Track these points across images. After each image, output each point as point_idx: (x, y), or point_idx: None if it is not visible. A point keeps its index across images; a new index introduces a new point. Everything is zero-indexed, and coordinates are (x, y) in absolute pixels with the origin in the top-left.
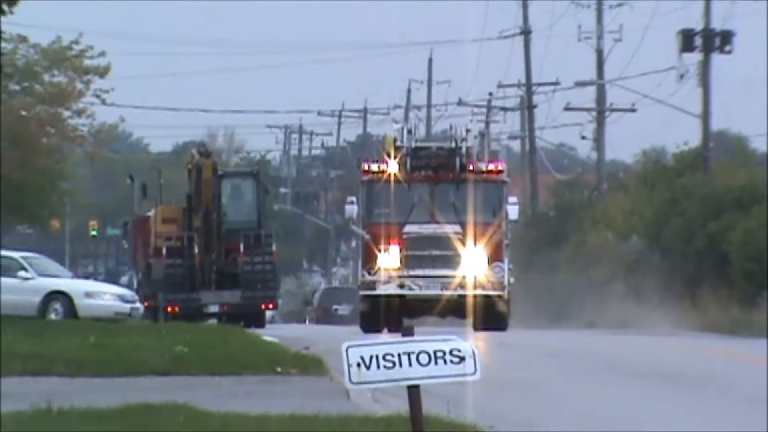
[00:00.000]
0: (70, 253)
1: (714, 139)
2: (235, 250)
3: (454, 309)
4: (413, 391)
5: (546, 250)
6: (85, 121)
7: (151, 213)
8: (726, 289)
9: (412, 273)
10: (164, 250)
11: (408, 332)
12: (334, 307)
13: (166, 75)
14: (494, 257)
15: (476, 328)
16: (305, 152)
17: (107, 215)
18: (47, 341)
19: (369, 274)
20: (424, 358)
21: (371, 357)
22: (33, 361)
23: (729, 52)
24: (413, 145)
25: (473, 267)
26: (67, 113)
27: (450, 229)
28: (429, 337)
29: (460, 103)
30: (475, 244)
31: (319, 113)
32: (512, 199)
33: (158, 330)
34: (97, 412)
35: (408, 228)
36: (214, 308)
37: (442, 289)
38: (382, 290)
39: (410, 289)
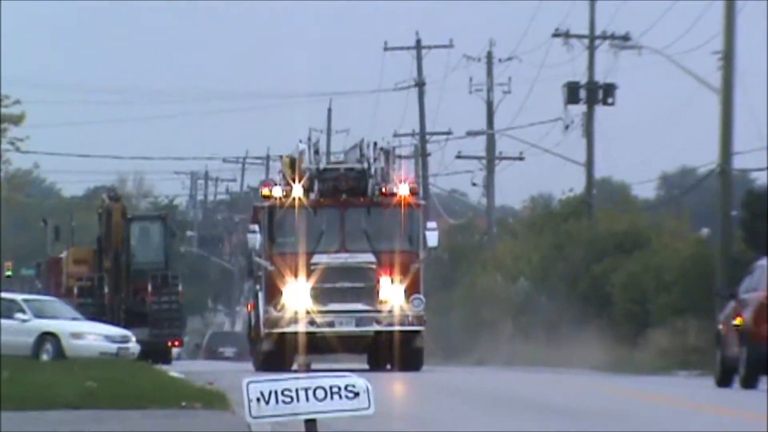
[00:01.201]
0: None
1: (597, 186)
2: (143, 289)
3: (367, 347)
4: (310, 425)
5: (439, 291)
6: (0, 168)
7: (63, 254)
8: (609, 328)
9: (321, 308)
10: (75, 290)
11: (304, 368)
12: (220, 349)
13: (77, 123)
14: (412, 289)
15: (391, 368)
16: (211, 197)
17: (21, 256)
18: None
19: (275, 309)
20: (320, 393)
21: (270, 392)
22: None
23: (611, 104)
24: (321, 166)
25: (391, 300)
26: None
27: (363, 259)
28: (325, 374)
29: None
30: (392, 274)
31: (224, 160)
32: (431, 224)
33: (70, 365)
34: None
35: (316, 258)
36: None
37: (355, 326)
38: (288, 328)
39: (320, 326)
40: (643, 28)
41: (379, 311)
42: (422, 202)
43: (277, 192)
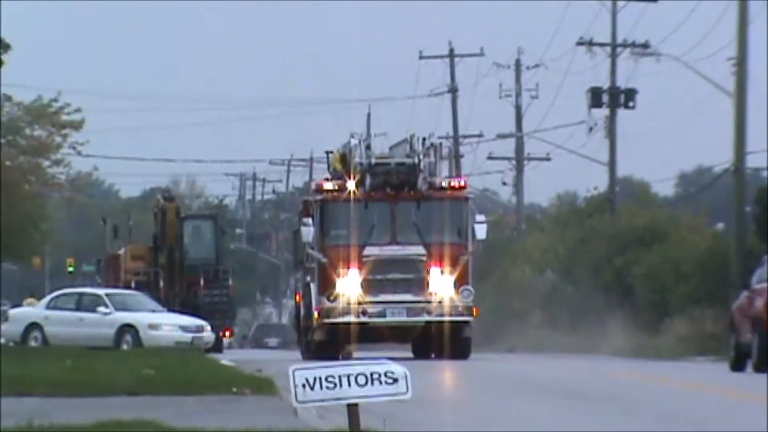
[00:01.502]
0: (49, 287)
1: (619, 184)
2: (195, 283)
3: (417, 337)
4: (352, 409)
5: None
6: (63, 170)
7: (122, 251)
8: (631, 317)
9: (373, 299)
10: (133, 284)
11: (347, 356)
12: (266, 339)
13: (134, 129)
14: (461, 280)
15: (440, 357)
16: (258, 197)
17: (83, 253)
18: (29, 365)
19: (328, 300)
20: (362, 380)
21: (315, 378)
22: (16, 383)
23: (632, 108)
24: (372, 161)
25: (441, 291)
26: (46, 163)
27: (413, 251)
28: (366, 361)
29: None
30: (441, 266)
31: (271, 162)
32: (479, 217)
33: (128, 355)
34: (73, 429)
35: (368, 250)
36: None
37: (406, 316)
38: (341, 318)
39: (371, 316)
40: (661, 36)
41: (430, 302)
42: (471, 195)
43: (330, 186)
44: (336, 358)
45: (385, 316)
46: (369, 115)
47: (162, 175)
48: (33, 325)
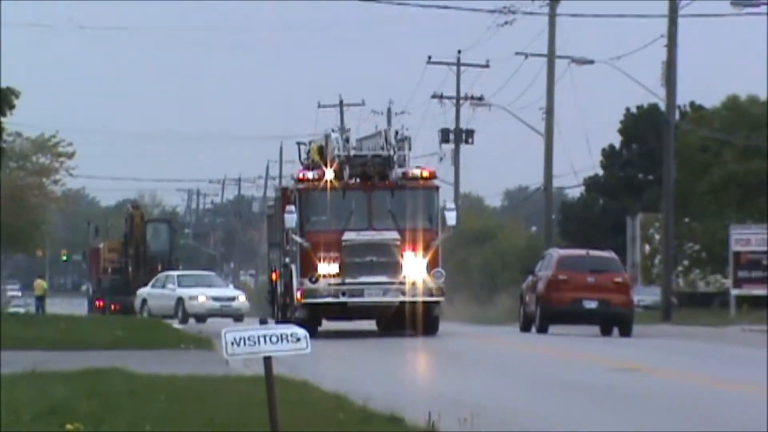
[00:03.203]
0: (49, 271)
1: (461, 199)
2: (155, 269)
3: (392, 316)
4: (267, 361)
5: None
6: (58, 187)
7: (101, 245)
8: (470, 294)
9: (352, 280)
10: (109, 270)
11: (264, 321)
12: None
13: (110, 156)
14: (433, 263)
15: (413, 334)
16: (201, 206)
17: (72, 247)
18: (32, 327)
19: (310, 281)
20: (274, 339)
21: (240, 338)
22: (21, 340)
23: (471, 143)
24: (351, 153)
25: (414, 273)
26: (46, 182)
27: (388, 236)
28: (278, 325)
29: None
30: (414, 250)
31: (210, 181)
32: (450, 204)
33: (105, 320)
34: (64, 374)
35: (347, 235)
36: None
37: (382, 296)
38: (322, 299)
39: (351, 296)
40: (492, 91)
41: (404, 283)
42: (439, 185)
43: (310, 176)
44: (314, 334)
45: (362, 296)
46: (342, 111)
47: (131, 190)
48: (144, 300)
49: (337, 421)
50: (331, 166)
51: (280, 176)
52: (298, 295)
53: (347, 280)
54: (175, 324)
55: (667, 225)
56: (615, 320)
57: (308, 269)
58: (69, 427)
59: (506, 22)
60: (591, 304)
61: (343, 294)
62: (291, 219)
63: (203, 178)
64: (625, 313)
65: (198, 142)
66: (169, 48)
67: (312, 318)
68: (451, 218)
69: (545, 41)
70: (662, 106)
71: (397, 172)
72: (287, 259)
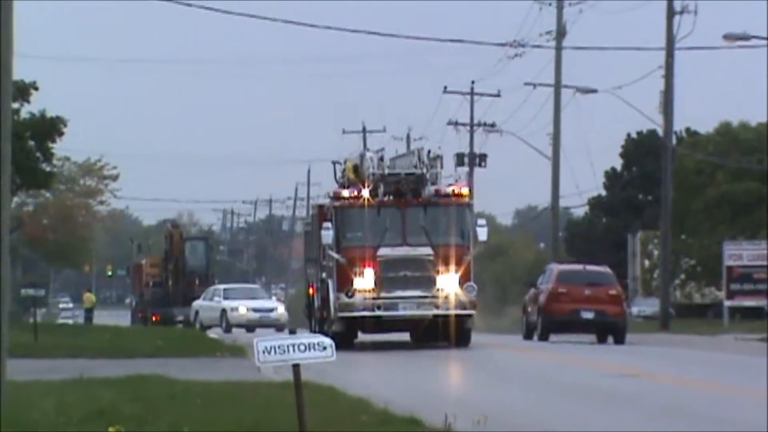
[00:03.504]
0: (95, 285)
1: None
2: (192, 282)
3: (426, 328)
4: (296, 368)
5: None
6: (104, 208)
7: (144, 261)
8: (483, 305)
9: (387, 294)
10: (151, 284)
11: (293, 331)
12: None
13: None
14: (465, 278)
15: (447, 346)
16: (235, 225)
17: (117, 262)
18: (80, 337)
19: (347, 296)
20: (302, 348)
21: (271, 347)
22: (70, 349)
23: (484, 167)
24: (386, 171)
25: (447, 288)
26: (93, 203)
27: (422, 252)
28: (306, 335)
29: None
30: (447, 265)
31: (243, 202)
32: (481, 221)
33: (147, 330)
34: (109, 380)
35: (382, 251)
36: (180, 317)
37: (416, 310)
38: (359, 312)
39: (386, 309)
40: (503, 119)
41: (437, 297)
42: (471, 201)
43: (347, 193)
44: (350, 347)
45: (397, 310)
46: (365, 137)
47: (170, 210)
48: (197, 312)
49: (359, 422)
50: (366, 185)
51: (308, 197)
52: (333, 309)
53: (382, 294)
54: (211, 333)
55: (665, 241)
56: (610, 329)
57: (344, 284)
58: (111, 429)
59: (516, 55)
60: (588, 315)
61: (379, 308)
62: (328, 235)
63: (237, 199)
64: (619, 323)
65: (232, 166)
66: (205, 80)
67: (348, 331)
68: (482, 234)
69: (552, 72)
70: (660, 131)
71: (430, 189)
72: (324, 274)
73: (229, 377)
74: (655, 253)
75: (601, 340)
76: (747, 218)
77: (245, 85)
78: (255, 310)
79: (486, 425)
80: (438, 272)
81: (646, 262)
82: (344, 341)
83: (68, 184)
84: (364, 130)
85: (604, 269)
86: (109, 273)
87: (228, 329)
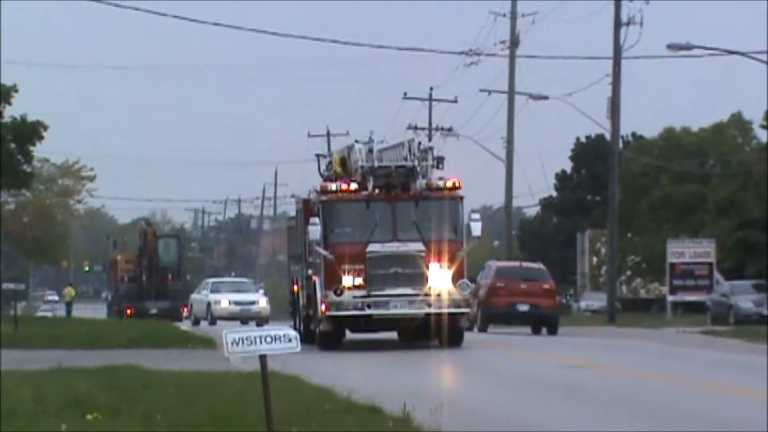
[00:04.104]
0: (73, 280)
1: None
2: (165, 278)
3: (417, 327)
4: (263, 358)
5: None
6: (81, 206)
7: (119, 257)
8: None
9: (377, 292)
10: (126, 278)
11: (260, 324)
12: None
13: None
14: (458, 275)
15: (438, 345)
16: (206, 224)
17: (94, 258)
18: (58, 329)
19: (335, 294)
20: (269, 339)
21: (239, 338)
22: (49, 339)
23: (441, 168)
24: (375, 164)
25: (440, 285)
26: (71, 202)
27: (413, 247)
28: (271, 327)
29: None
30: (440, 261)
31: (213, 201)
32: (475, 215)
33: (122, 323)
34: (86, 370)
35: (371, 247)
36: (153, 310)
37: (408, 308)
38: (347, 311)
39: (376, 308)
40: (460, 123)
41: (429, 294)
42: (463, 195)
43: (334, 187)
44: (338, 347)
45: (388, 308)
46: (329, 140)
47: (144, 209)
48: (191, 305)
49: (323, 411)
50: (354, 178)
51: (275, 197)
52: (323, 307)
53: (372, 292)
54: (183, 326)
55: (611, 239)
56: (544, 321)
57: (332, 281)
58: (89, 416)
59: (472, 63)
60: (524, 308)
61: (368, 306)
62: (315, 231)
63: (208, 199)
64: (552, 315)
65: (204, 167)
66: (178, 85)
67: (336, 330)
68: (476, 229)
69: (506, 80)
70: (608, 136)
71: (421, 182)
72: (310, 271)
73: (200, 368)
74: (603, 250)
75: (536, 331)
76: (689, 218)
77: (216, 90)
78: (236, 303)
79: (442, 414)
80: (430, 269)
81: (594, 259)
82: (332, 341)
83: (47, 184)
84: (328, 134)
85: (539, 266)
86: (87, 268)
87: (213, 322)
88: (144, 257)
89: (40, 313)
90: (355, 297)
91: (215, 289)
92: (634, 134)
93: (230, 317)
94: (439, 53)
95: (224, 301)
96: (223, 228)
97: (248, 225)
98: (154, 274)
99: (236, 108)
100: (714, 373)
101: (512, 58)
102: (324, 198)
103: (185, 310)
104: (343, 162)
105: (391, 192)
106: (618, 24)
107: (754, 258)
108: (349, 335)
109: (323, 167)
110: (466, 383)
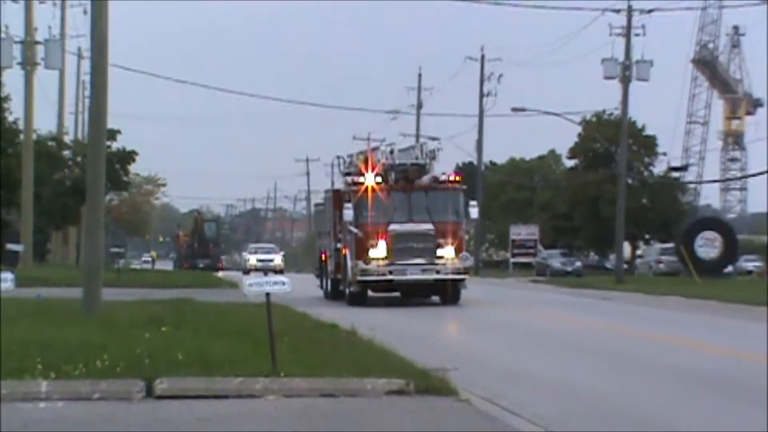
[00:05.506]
0: (153, 247)
1: None
2: (208, 246)
3: (429, 289)
4: (267, 295)
5: None
6: (158, 202)
7: (180, 233)
8: None
9: (397, 261)
10: (184, 246)
11: (266, 274)
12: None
13: (185, 185)
14: (460, 249)
15: (445, 303)
16: (233, 213)
17: (166, 233)
18: (144, 276)
19: (363, 263)
20: (272, 283)
21: (253, 282)
22: (138, 282)
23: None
24: (396, 161)
25: (446, 256)
26: (152, 199)
27: (425, 227)
28: (275, 276)
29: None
30: (445, 238)
31: (238, 199)
32: (472, 202)
33: (182, 273)
34: (161, 300)
35: (392, 227)
36: (201, 265)
37: (421, 274)
38: (375, 277)
39: (396, 274)
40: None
41: (437, 264)
42: (464, 187)
43: (362, 180)
44: (363, 304)
45: (405, 275)
46: (308, 164)
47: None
48: (246, 261)
49: (303, 326)
50: (377, 173)
51: (275, 198)
52: (351, 274)
53: (394, 262)
54: (219, 275)
55: (478, 225)
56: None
57: (362, 253)
58: (164, 328)
59: (394, 117)
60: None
61: (391, 273)
62: (348, 214)
63: (235, 197)
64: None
65: (231, 177)
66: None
67: (363, 291)
68: (473, 213)
69: (414, 128)
70: (475, 162)
71: (430, 177)
72: (339, 245)
73: (229, 300)
74: (472, 231)
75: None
76: (523, 213)
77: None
78: (260, 260)
79: (377, 333)
80: (438, 244)
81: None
82: (359, 299)
83: (137, 188)
84: (307, 159)
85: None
86: (161, 240)
87: (246, 272)
88: (195, 233)
89: (134, 266)
90: (380, 266)
91: (252, 251)
92: (491, 161)
93: (256, 269)
94: (373, 112)
95: (252, 259)
96: (243, 216)
97: (259, 214)
98: (201, 243)
99: (254, 148)
100: (539, 305)
101: (418, 115)
102: (354, 188)
103: (221, 265)
104: (366, 161)
105: (407, 184)
106: (482, 95)
107: (561, 237)
108: (371, 294)
109: (343, 165)
110: (395, 316)
